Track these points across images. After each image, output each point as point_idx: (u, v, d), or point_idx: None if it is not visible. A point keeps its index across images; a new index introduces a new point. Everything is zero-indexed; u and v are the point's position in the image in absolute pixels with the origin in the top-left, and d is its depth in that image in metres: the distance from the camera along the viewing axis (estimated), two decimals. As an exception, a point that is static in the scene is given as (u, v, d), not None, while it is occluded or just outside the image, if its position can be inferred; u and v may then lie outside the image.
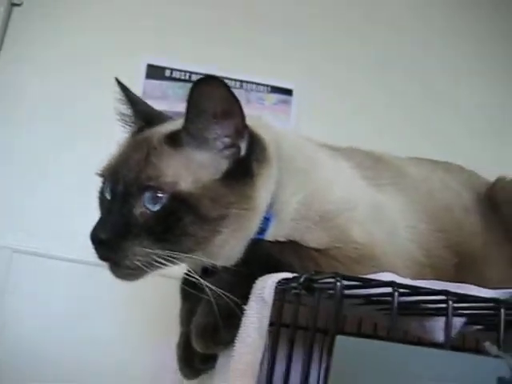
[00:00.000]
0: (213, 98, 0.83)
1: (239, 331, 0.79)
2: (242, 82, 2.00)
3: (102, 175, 0.93)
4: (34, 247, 1.80)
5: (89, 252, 0.85)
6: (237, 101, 0.84)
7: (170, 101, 1.95)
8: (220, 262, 0.87)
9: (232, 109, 0.85)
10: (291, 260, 0.84)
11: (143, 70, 1.95)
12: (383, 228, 0.99)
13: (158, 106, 1.91)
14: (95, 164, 0.95)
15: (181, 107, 1.89)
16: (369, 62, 2.17)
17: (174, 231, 0.83)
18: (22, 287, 1.79)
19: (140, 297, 1.67)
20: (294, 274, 0.72)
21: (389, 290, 0.61)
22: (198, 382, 1.03)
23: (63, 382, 1.64)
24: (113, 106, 1.02)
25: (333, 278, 0.58)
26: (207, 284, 0.81)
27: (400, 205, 1.06)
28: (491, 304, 0.64)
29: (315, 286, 0.63)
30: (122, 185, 0.85)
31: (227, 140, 0.87)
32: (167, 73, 1.97)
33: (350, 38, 2.16)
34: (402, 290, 0.62)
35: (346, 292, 0.61)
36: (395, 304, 0.58)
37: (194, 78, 1.98)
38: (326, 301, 0.65)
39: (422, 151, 1.39)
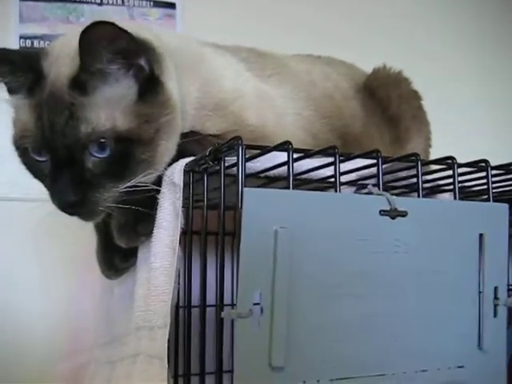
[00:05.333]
0: (103, 40, 0.82)
1: (156, 219, 0.87)
2: (123, -2, 1.95)
3: (24, 148, 0.90)
4: None
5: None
6: (125, 31, 0.83)
7: (50, 23, 1.87)
8: (164, 167, 0.91)
9: (122, 42, 0.84)
10: (194, 149, 0.90)
11: (16, -8, 1.83)
12: (272, 112, 1.09)
13: (38, 29, 1.86)
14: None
15: (61, 29, 1.86)
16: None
17: (130, 165, 0.86)
18: None
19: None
20: (199, 155, 0.79)
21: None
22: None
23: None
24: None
25: (235, 143, 0.65)
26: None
27: (284, 93, 1.16)
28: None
29: (221, 155, 0.70)
30: (64, 150, 0.85)
31: (127, 65, 0.87)
32: (42, -7, 1.87)
33: None
34: (296, 155, 0.72)
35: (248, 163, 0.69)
36: (291, 160, 0.67)
37: (71, -4, 1.90)
38: (231, 179, 0.73)
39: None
